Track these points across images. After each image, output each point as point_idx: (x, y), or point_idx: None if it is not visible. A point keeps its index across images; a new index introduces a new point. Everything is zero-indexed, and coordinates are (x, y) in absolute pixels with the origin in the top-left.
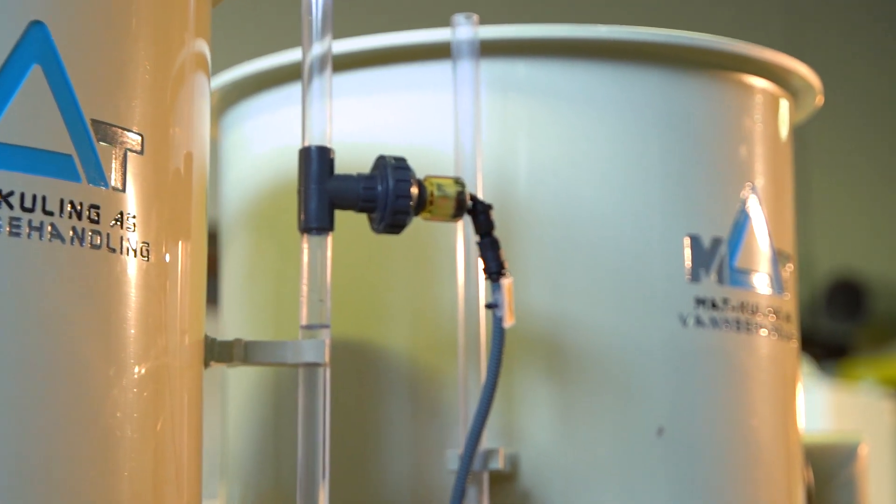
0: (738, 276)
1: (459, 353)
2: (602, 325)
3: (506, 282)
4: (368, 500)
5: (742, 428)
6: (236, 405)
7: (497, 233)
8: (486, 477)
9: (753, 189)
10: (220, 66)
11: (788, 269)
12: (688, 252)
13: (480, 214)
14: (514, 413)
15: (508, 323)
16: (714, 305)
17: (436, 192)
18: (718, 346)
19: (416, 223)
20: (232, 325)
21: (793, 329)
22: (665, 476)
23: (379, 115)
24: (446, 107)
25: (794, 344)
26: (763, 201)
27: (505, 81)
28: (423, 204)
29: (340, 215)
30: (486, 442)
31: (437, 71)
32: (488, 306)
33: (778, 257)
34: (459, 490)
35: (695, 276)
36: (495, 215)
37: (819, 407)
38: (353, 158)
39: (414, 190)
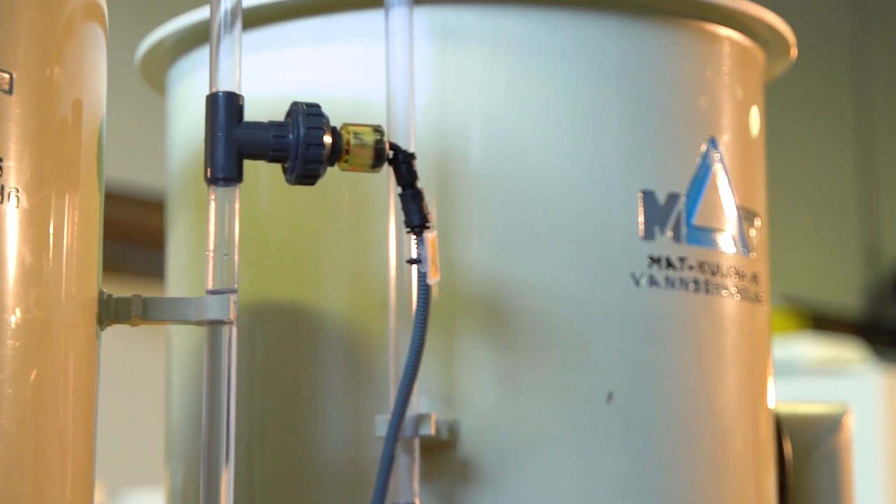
0: (697, 234)
1: (390, 313)
2: (548, 284)
3: (429, 235)
4: (305, 468)
5: (701, 394)
6: (179, 374)
7: (437, 188)
8: (416, 443)
9: (715, 143)
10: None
11: (757, 228)
12: (641, 208)
13: (402, 164)
14: (454, 378)
15: (433, 279)
16: (670, 264)
17: (352, 141)
18: (674, 307)
19: (355, 178)
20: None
21: (762, 291)
22: (615, 444)
23: (318, 67)
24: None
25: (764, 307)
26: (727, 156)
27: (445, 29)
28: (338, 153)
29: (275, 172)
30: (421, 407)
31: (375, 20)
32: (411, 262)
33: (744, 215)
34: (388, 457)
35: (648, 234)
36: (434, 169)
37: (875, 394)
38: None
39: (327, 138)
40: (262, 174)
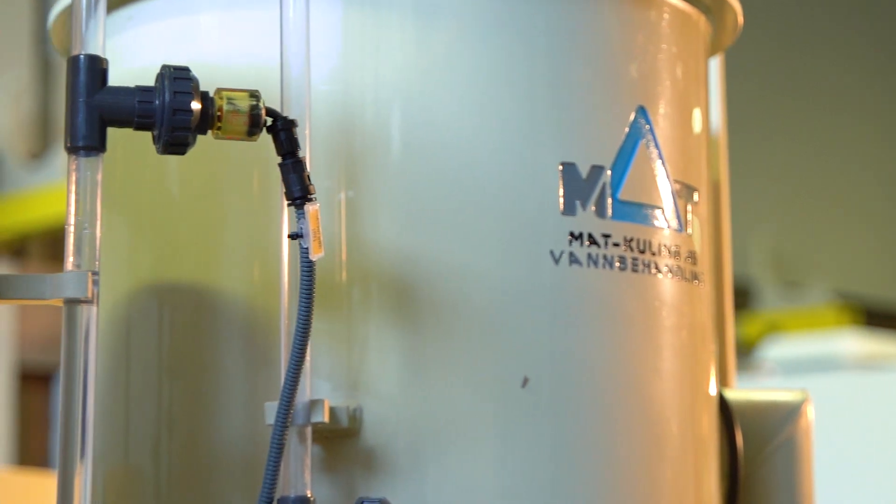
0: (624, 209)
1: (282, 293)
2: (461, 262)
3: (311, 208)
4: (213, 460)
5: (630, 380)
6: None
7: (340, 159)
8: (308, 432)
9: (645, 113)
10: None
11: (696, 204)
12: (561, 181)
13: (281, 132)
14: (359, 362)
15: (315, 255)
16: (593, 241)
17: (225, 107)
18: (598, 286)
19: (263, 153)
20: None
21: (700, 270)
22: (532, 434)
23: (227, 34)
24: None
25: (703, 287)
26: (661, 127)
27: None
28: (209, 120)
29: None
30: (323, 393)
31: None
32: (292, 236)
33: (680, 190)
34: (276, 446)
35: (569, 209)
36: (343, 141)
37: None
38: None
39: (196, 104)
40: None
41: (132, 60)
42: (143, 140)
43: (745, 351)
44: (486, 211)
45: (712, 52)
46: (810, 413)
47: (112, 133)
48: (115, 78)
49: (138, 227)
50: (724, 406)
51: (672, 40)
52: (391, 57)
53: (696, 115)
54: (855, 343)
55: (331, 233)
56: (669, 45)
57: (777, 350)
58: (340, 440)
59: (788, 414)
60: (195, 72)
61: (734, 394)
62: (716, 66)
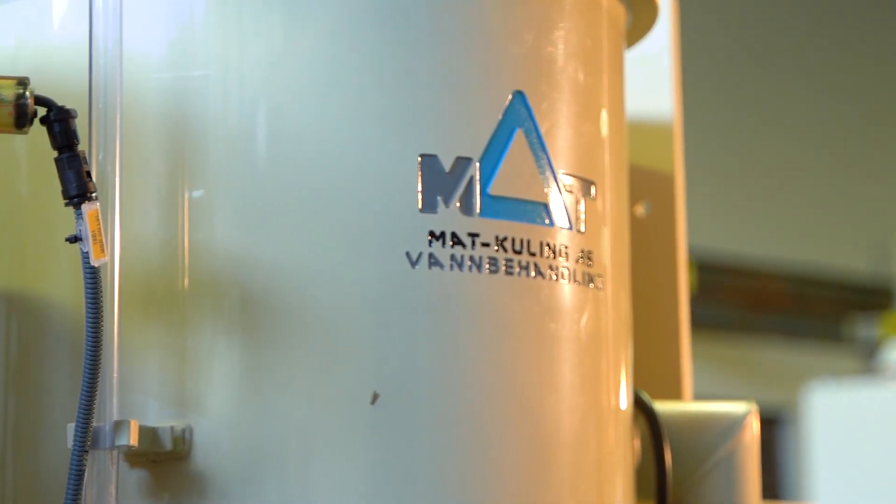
0: (496, 206)
1: (105, 303)
2: (303, 265)
3: (89, 208)
4: (45, 476)
5: (502, 392)
6: None
7: (171, 149)
8: (114, 456)
9: (524, 100)
10: None
11: (592, 199)
12: (419, 175)
13: (55, 123)
14: (188, 378)
15: (97, 260)
16: (457, 241)
17: None
18: (463, 291)
19: None
20: None
21: (598, 272)
22: (382, 455)
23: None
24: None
25: (603, 292)
26: (545, 115)
27: None
28: None
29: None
30: (151, 412)
31: None
32: (70, 239)
33: (570, 184)
34: (75, 472)
35: (428, 205)
36: (170, 132)
37: None
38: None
39: None
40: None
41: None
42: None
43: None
44: (337, 210)
45: (634, 38)
46: (755, 427)
47: None
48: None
49: None
50: (652, 420)
51: (567, 21)
52: (232, 40)
53: (598, 102)
54: None
55: (171, 236)
56: (562, 26)
57: None
58: (169, 463)
59: (728, 428)
60: (45, 58)
61: (668, 406)
62: (668, 53)
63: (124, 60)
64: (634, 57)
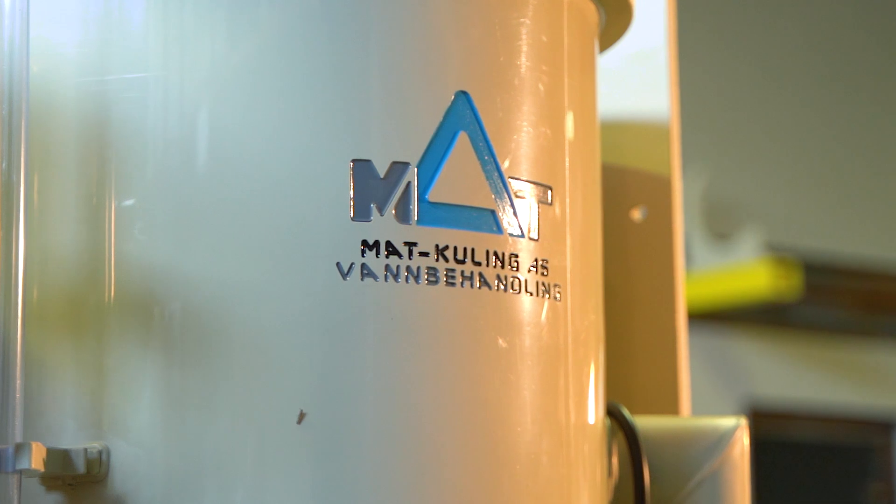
0: (436, 213)
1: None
2: (229, 278)
3: None
4: None
5: (443, 412)
6: None
7: (95, 158)
8: (16, 481)
9: (469, 100)
10: None
11: (548, 205)
12: (351, 181)
13: None
14: (106, 396)
15: None
16: (392, 251)
17: None
18: (398, 304)
19: (34, 148)
20: None
21: (555, 281)
22: (309, 480)
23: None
24: None
25: (562, 303)
26: (493, 116)
27: None
28: None
29: None
30: (67, 432)
31: None
32: None
33: (521, 189)
34: None
35: (361, 213)
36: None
37: None
38: None
39: None
40: None
41: None
42: None
43: None
44: (265, 220)
45: (613, 36)
46: (745, 442)
47: None
48: None
49: None
50: (630, 435)
51: (520, 16)
52: (156, 35)
53: (556, 102)
54: None
55: (93, 247)
56: (514, 20)
57: None
58: (86, 487)
59: (715, 443)
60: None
61: (651, 421)
62: (665, 50)
63: (41, 63)
64: (630, 55)
